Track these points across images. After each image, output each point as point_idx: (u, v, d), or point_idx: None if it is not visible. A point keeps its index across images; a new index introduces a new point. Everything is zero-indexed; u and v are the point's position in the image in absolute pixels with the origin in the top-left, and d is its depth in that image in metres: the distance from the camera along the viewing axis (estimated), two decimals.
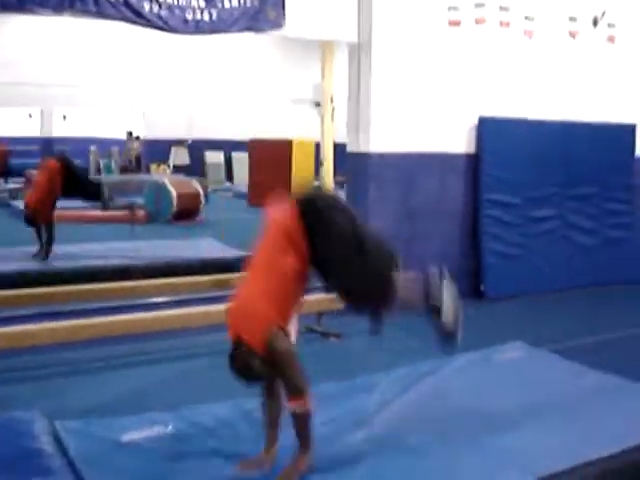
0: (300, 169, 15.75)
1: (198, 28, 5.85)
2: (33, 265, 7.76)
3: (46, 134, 21.51)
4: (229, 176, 22.13)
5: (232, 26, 5.98)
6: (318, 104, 15.56)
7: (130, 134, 21.20)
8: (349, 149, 7.03)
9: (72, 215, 12.75)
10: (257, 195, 16.10)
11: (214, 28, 5.92)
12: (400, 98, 6.79)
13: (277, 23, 6.13)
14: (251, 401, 4.07)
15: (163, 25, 5.70)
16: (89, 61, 20.59)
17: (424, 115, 7.02)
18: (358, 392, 4.29)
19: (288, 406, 3.03)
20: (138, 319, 5.62)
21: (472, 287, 7.54)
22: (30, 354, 5.26)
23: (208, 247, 9.07)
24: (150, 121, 22.22)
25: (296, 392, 2.97)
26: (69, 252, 8.31)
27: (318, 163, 15.61)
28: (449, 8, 7.00)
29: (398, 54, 6.71)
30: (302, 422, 3.04)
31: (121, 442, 3.55)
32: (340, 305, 5.99)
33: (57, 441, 3.53)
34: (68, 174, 8.21)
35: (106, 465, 3.30)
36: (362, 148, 6.73)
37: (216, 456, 3.42)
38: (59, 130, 21.43)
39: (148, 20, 5.61)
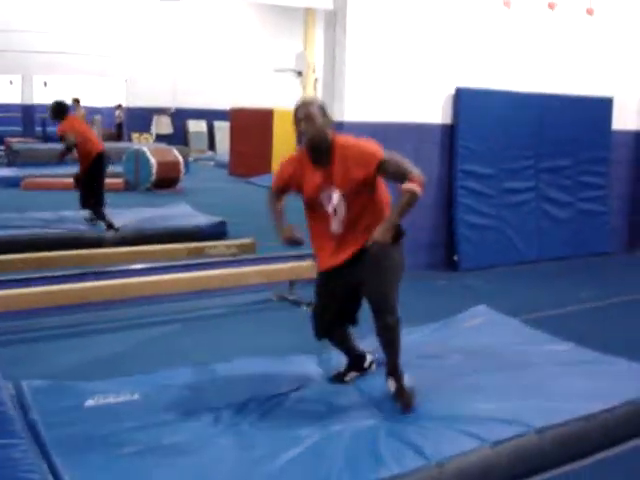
0: (281, 139, 15.68)
1: None
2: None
3: (27, 101, 21.28)
4: (211, 145, 22.04)
5: None
6: (300, 74, 15.55)
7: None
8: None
9: (48, 182, 12.75)
10: (238, 165, 16.09)
11: None
12: (376, 67, 6.76)
13: None
14: (219, 367, 4.14)
15: None
16: (71, 27, 20.37)
17: (400, 85, 6.99)
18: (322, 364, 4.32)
19: (406, 185, 3.44)
20: (111, 285, 5.63)
21: (445, 258, 7.60)
22: (2, 319, 5.27)
23: (182, 214, 9.05)
24: (133, 89, 22.04)
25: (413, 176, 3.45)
26: (44, 218, 8.31)
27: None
28: None
29: (374, 22, 6.66)
30: (410, 202, 3.49)
31: (86, 405, 3.59)
32: (313, 273, 6.08)
33: (21, 401, 3.57)
34: None
35: (67, 426, 3.34)
36: (336, 117, 6.69)
37: (178, 421, 3.47)
38: (40, 97, 21.17)
39: None
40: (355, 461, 3.07)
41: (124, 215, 8.89)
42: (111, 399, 3.67)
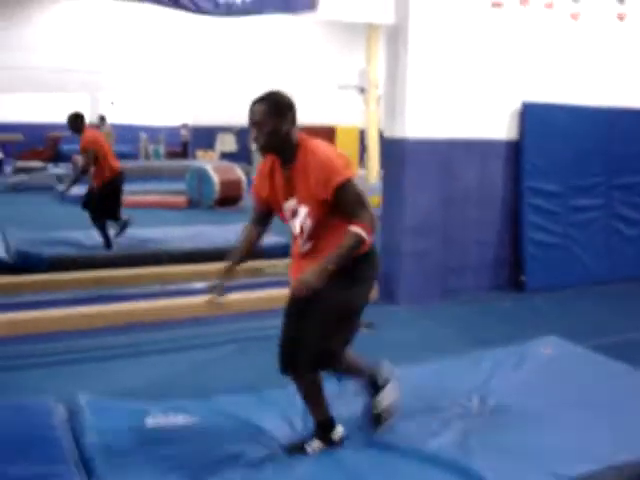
0: None
1: (229, 10, 5.74)
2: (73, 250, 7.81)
3: (94, 120, 21.70)
4: None
5: (264, 8, 5.86)
6: (363, 90, 15.45)
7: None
8: (386, 135, 6.87)
9: None
10: None
11: (246, 10, 5.80)
12: (438, 82, 6.59)
13: (311, 5, 5.98)
14: (274, 392, 4.03)
15: (193, 7, 5.60)
16: (138, 48, 20.72)
17: (464, 100, 6.81)
18: None
19: (352, 228, 3.06)
20: (165, 306, 5.62)
21: (512, 278, 7.35)
22: (62, 339, 5.28)
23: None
24: (198, 108, 22.27)
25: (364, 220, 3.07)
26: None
27: (363, 151, 15.55)
28: None
29: (436, 37, 6.50)
30: (353, 246, 3.08)
31: (141, 425, 3.53)
32: (373, 294, 5.92)
33: (76, 419, 3.52)
34: None
35: (121, 446, 3.27)
36: (398, 134, 6.56)
37: (234, 446, 3.36)
38: (108, 116, 21.58)
39: (180, 3, 5.52)
40: None
41: (183, 231, 8.92)
42: (168, 420, 3.60)
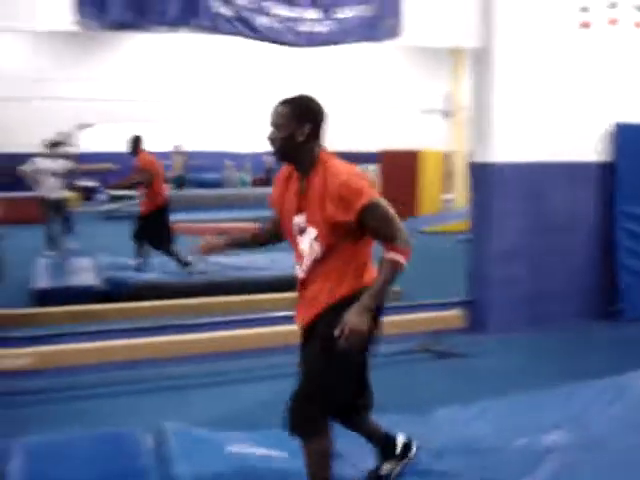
0: (428, 181, 15.44)
1: (311, 40, 5.76)
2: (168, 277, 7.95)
3: (181, 149, 22.14)
4: None
5: (347, 37, 5.86)
6: (448, 114, 15.35)
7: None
8: (472, 159, 6.75)
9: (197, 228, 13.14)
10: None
11: (328, 40, 5.81)
12: (526, 105, 6.43)
13: (394, 32, 5.95)
14: None
15: (276, 38, 5.65)
16: (218, 77, 21.15)
17: (552, 123, 6.62)
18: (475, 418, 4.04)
19: (389, 255, 2.81)
20: (259, 333, 5.62)
21: (602, 306, 7.04)
22: (147, 367, 5.35)
23: None
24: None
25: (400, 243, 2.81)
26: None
27: (447, 175, 15.40)
28: (581, 9, 6.59)
29: (523, 59, 6.36)
30: (394, 276, 2.82)
31: (225, 453, 3.52)
32: (460, 323, 5.80)
33: (163, 448, 3.53)
34: None
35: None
36: (485, 158, 6.44)
37: None
38: (193, 144, 22.02)
39: (261, 34, 5.58)
40: None
41: (266, 259, 8.96)
42: (252, 450, 3.57)
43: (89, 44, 19.41)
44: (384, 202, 2.84)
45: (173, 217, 13.79)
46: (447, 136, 15.37)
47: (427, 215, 14.87)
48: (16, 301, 7.23)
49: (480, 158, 6.54)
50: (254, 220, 13.42)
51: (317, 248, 2.90)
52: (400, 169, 15.68)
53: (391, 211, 2.83)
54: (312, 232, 2.90)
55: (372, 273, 2.93)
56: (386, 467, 3.32)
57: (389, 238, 2.80)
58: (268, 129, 2.92)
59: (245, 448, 3.60)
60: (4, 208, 12.81)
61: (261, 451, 3.58)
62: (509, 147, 6.41)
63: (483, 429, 3.84)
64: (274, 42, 5.81)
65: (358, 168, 2.95)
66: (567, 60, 6.63)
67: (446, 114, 15.09)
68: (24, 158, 10.58)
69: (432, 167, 15.54)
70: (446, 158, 15.83)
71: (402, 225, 2.83)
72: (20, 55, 18.97)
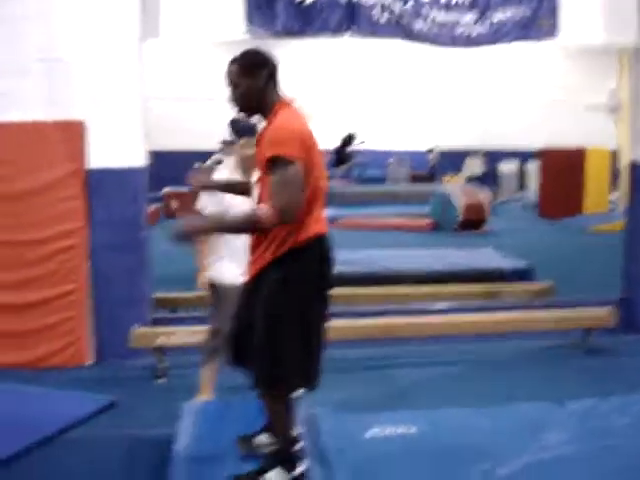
0: (594, 179, 15.08)
1: (468, 42, 5.97)
2: None
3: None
4: (522, 186, 21.77)
5: (502, 38, 6.01)
6: (614, 110, 14.89)
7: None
8: (631, 160, 6.68)
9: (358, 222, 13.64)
10: (547, 206, 15.72)
11: (484, 41, 5.99)
12: None
13: (550, 32, 6.03)
14: (498, 409, 4.16)
15: (433, 41, 5.91)
16: (382, 74, 21.53)
17: None
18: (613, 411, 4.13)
19: (262, 207, 2.93)
20: (410, 323, 5.90)
21: None
22: None
23: (486, 257, 9.07)
24: (445, 131, 22.58)
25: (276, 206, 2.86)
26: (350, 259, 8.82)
27: (615, 174, 14.95)
28: None
29: None
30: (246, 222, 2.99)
31: (367, 435, 3.81)
32: (612, 322, 5.81)
33: (311, 425, 3.89)
34: None
35: (348, 454, 3.57)
36: (633, 158, 6.37)
37: (450, 459, 3.54)
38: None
39: (418, 37, 5.86)
40: None
41: (428, 255, 9.18)
42: (390, 431, 3.85)
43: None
44: (295, 168, 2.86)
45: (336, 212, 14.43)
46: (614, 134, 14.93)
47: (593, 214, 14.56)
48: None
49: (637, 157, 6.47)
50: (415, 216, 13.78)
51: (255, 193, 3.13)
52: (564, 167, 15.38)
53: (293, 178, 2.85)
54: (255, 175, 3.16)
55: (312, 231, 3.03)
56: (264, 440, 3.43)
57: (272, 197, 2.87)
58: (228, 90, 3.08)
59: (381, 430, 3.87)
60: (179, 201, 13.83)
61: (396, 431, 3.84)
62: None
63: (619, 421, 3.93)
64: (431, 44, 6.07)
65: (303, 124, 3.02)
66: None
67: (612, 111, 14.64)
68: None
69: (599, 166, 15.14)
70: (614, 156, 15.38)
71: (293, 196, 2.86)
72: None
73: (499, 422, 3.96)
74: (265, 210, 2.86)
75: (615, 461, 3.46)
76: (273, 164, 2.88)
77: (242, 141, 4.22)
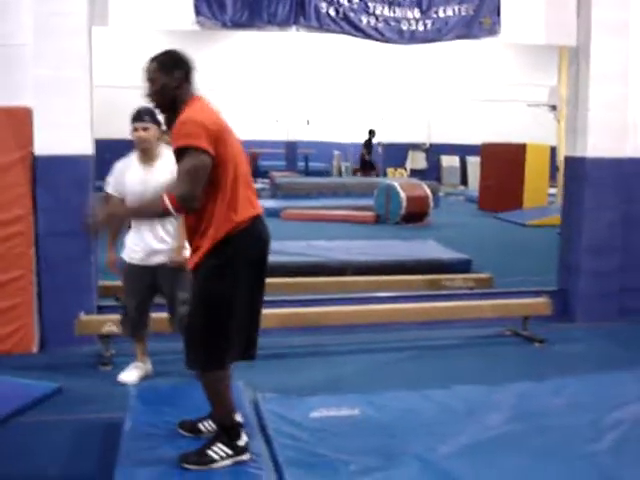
0: (534, 175, 15.45)
1: (413, 38, 6.13)
2: None
3: (290, 137, 22.80)
4: (464, 180, 22.20)
5: (446, 35, 6.19)
6: (554, 108, 15.28)
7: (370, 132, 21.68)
8: (566, 153, 6.94)
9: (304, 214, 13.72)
10: (487, 200, 16.09)
11: (428, 38, 6.16)
12: (620, 101, 6.54)
13: (492, 30, 6.23)
14: (439, 392, 4.32)
15: (379, 37, 6.04)
16: (329, 69, 21.64)
17: None
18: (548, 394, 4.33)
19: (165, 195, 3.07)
20: (350, 311, 6.03)
21: None
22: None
23: (427, 249, 9.28)
24: (389, 126, 22.84)
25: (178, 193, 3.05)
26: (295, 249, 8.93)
27: (554, 169, 15.34)
28: None
29: (619, 56, 6.49)
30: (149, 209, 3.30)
31: (311, 416, 3.93)
32: (548, 310, 6.05)
33: (256, 408, 4.01)
34: None
35: (292, 434, 3.69)
36: (578, 153, 6.62)
37: (392, 439, 3.68)
38: (302, 134, 22.64)
39: (365, 33, 5.99)
40: None
41: (372, 246, 9.35)
42: (333, 412, 3.98)
43: (193, 36, 20.29)
44: (199, 158, 3.04)
45: (282, 203, 14.48)
46: (554, 131, 15.34)
47: (532, 208, 14.94)
48: None
49: (574, 152, 6.72)
50: (358, 208, 13.90)
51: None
52: (505, 162, 15.76)
53: (195, 167, 3.03)
54: None
55: (246, 214, 3.21)
56: (208, 427, 3.55)
57: (176, 183, 3.09)
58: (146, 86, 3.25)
59: (325, 411, 3.99)
60: None
61: (339, 412, 3.97)
62: (603, 142, 6.54)
63: (553, 402, 4.13)
64: (377, 40, 6.20)
65: (210, 116, 3.20)
66: None
67: (552, 108, 15.04)
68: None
69: (538, 161, 15.53)
70: (554, 152, 15.80)
71: (193, 184, 3.03)
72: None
73: (440, 404, 4.13)
74: (167, 198, 3.03)
75: (550, 439, 3.65)
76: (179, 154, 3.09)
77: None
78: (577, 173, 6.71)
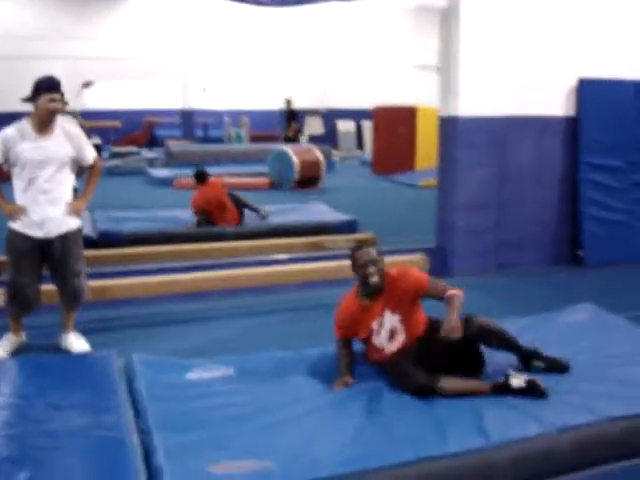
0: (424, 137, 15.72)
1: (286, 1, 6.11)
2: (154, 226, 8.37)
3: (186, 106, 22.47)
4: (360, 144, 22.40)
5: None
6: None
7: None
8: (440, 114, 7.10)
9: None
10: (381, 163, 16.31)
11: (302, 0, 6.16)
12: (492, 61, 6.75)
13: None
14: (313, 350, 4.40)
15: (261, 1, 6.00)
16: (224, 35, 21.35)
17: (518, 78, 6.95)
18: None
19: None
20: (230, 275, 6.06)
21: (570, 254, 7.46)
22: (140, 305, 5.87)
23: (316, 212, 9.37)
24: (286, 92, 22.78)
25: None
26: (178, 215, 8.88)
27: None
28: None
29: (488, 16, 6.66)
30: None
31: (186, 378, 3.95)
32: (424, 267, 6.19)
33: (129, 372, 4.00)
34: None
35: (169, 397, 3.69)
36: (451, 112, 6.79)
37: (269, 395, 3.74)
38: (199, 102, 22.35)
39: None
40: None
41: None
42: (209, 374, 4.02)
43: (88, 3, 19.72)
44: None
45: (174, 172, 14.27)
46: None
47: (423, 170, 15.21)
48: None
49: (446, 112, 6.89)
50: (253, 174, 13.86)
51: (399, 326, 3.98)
52: (396, 125, 15.97)
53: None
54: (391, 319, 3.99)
55: None
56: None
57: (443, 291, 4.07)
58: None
59: (201, 373, 4.03)
60: None
61: (215, 373, 4.02)
62: (475, 101, 6.75)
63: None
64: (252, 3, 6.16)
65: None
66: (533, 16, 6.94)
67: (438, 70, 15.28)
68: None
69: (428, 123, 15.75)
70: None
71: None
72: (14, 13, 19.06)
73: (312, 363, 4.21)
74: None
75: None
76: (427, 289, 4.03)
77: None
78: (450, 132, 6.89)
